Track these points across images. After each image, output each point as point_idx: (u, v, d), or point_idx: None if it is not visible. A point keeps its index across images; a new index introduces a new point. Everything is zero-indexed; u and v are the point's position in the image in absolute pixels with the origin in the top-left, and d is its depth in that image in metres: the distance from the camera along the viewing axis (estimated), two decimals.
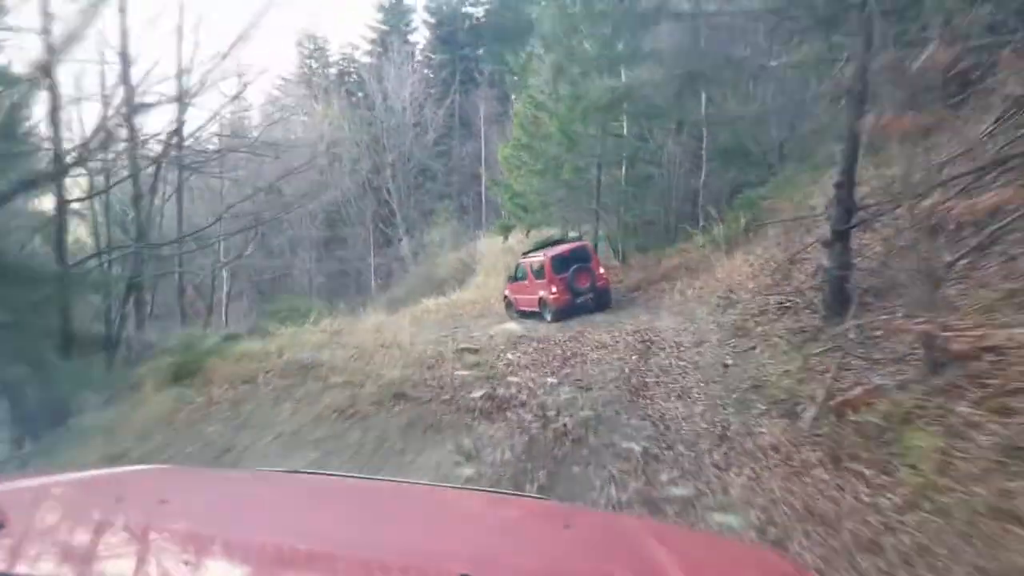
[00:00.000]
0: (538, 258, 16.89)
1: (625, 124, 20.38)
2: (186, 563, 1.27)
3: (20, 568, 1.19)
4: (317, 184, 39.15)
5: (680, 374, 8.83)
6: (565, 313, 15.77)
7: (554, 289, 16.03)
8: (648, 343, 11.18)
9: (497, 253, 27.88)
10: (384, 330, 13.69)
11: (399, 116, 41.28)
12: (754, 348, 8.76)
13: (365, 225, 39.50)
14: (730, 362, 8.62)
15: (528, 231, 20.12)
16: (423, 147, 42.26)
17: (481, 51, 46.40)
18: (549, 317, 16.05)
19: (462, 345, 12.10)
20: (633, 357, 10.28)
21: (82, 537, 1.42)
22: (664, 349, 10.52)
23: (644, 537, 1.77)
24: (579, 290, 16.01)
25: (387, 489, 2.30)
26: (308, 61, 50.09)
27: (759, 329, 9.34)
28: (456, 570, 1.22)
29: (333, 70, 50.27)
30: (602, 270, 16.93)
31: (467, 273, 29.68)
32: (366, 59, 48.85)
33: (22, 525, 1.34)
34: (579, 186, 19.54)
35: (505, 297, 18.97)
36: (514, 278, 18.46)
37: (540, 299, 16.49)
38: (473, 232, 35.98)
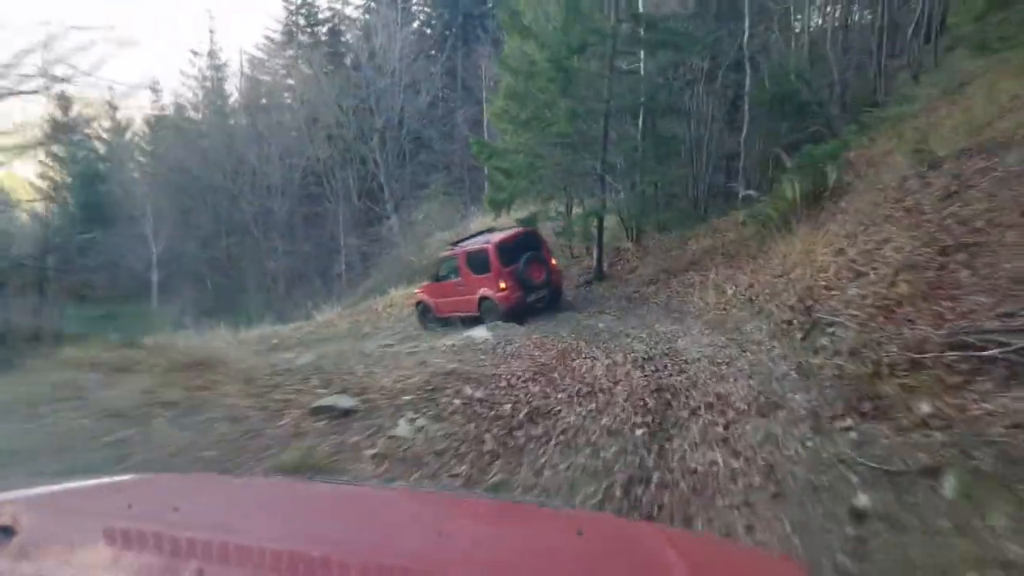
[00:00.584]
0: (476, 247, 13.30)
1: (642, 59, 15.15)
2: (198, 571, 1.24)
3: (32, 575, 1.18)
4: (290, 153, 34.58)
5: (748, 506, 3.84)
6: (515, 315, 12.50)
7: (503, 285, 12.60)
8: (672, 394, 6.16)
9: None
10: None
11: (390, 77, 36.21)
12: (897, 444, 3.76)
13: (350, 201, 34.62)
14: (862, 501, 3.57)
15: (508, 206, 15.00)
16: (416, 112, 37.17)
17: (488, 4, 40.88)
18: (493, 320, 12.44)
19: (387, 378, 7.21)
20: (639, 433, 5.26)
21: (93, 545, 1.38)
22: (704, 412, 5.50)
23: (658, 544, 1.74)
24: (533, 285, 12.80)
25: (399, 497, 2.32)
26: (294, 18, 45.04)
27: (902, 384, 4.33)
28: None
29: (323, 28, 45.20)
30: (555, 261, 13.79)
31: None
32: (356, 14, 43.77)
33: (33, 533, 1.33)
34: (579, 142, 14.40)
35: (419, 303, 14.90)
36: (436, 277, 14.40)
37: (480, 299, 13.05)
38: (468, 209, 30.98)
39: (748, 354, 6.80)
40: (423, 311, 14.56)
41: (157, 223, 25.23)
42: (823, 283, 6.85)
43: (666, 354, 7.93)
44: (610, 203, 14.95)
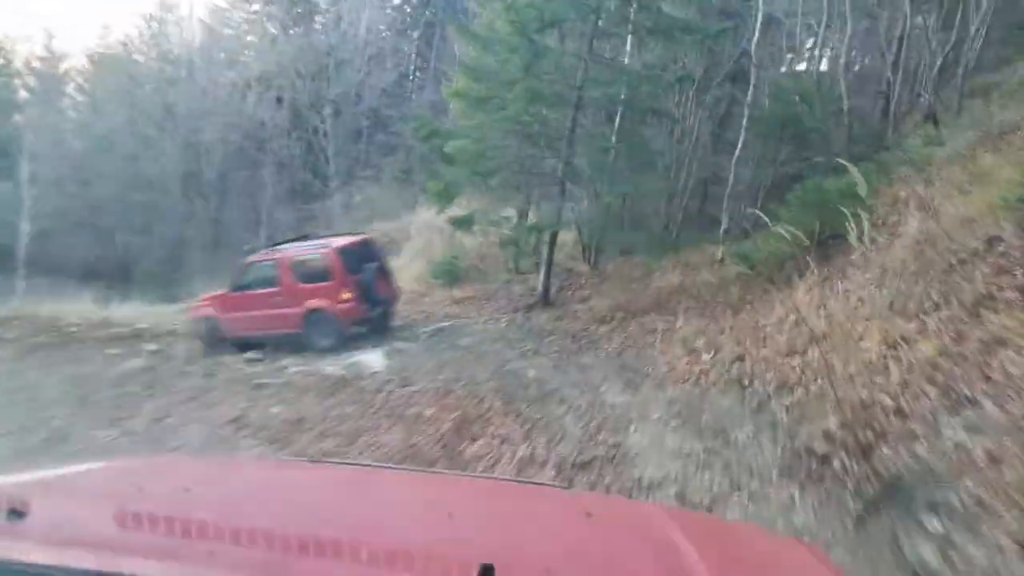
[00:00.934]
0: (310, 252, 11.40)
1: (628, 46, 12.36)
2: (209, 553, 1.25)
3: (42, 558, 1.16)
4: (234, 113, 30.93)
5: None
6: (343, 335, 10.77)
7: (345, 295, 10.74)
8: None
9: (435, 229, 19.90)
10: None
11: (353, 46, 32.89)
12: None
13: (289, 173, 31.10)
14: None
15: (448, 199, 12.00)
16: (379, 89, 33.84)
17: None
18: (323, 339, 10.70)
19: None
20: None
21: (104, 526, 1.37)
22: None
23: (666, 525, 1.73)
24: (377, 298, 11.20)
25: (409, 478, 2.31)
26: None
27: None
28: (478, 559, 1.16)
29: None
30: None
31: (389, 251, 21.63)
32: None
33: (44, 515, 1.32)
34: (539, 134, 11.53)
35: (206, 317, 11.69)
36: (237, 286, 11.55)
37: (308, 313, 10.81)
38: (420, 199, 27.77)
39: (748, 501, 3.95)
40: (210, 331, 11.38)
41: (42, 166, 21.48)
42: (887, 398, 4.04)
43: (610, 459, 5.10)
44: (568, 214, 12.07)
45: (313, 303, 10.73)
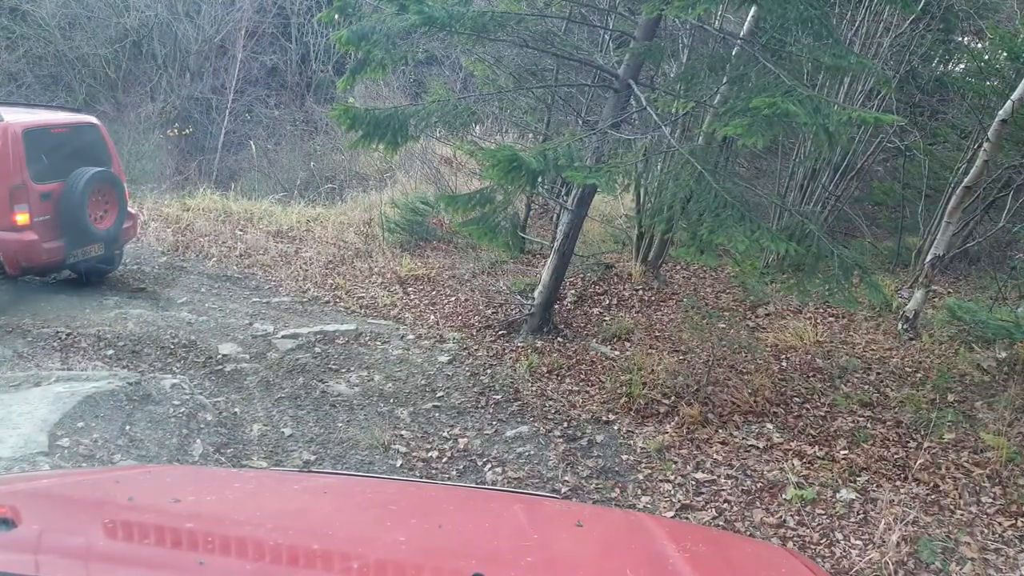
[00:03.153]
0: None
1: None
2: (199, 563, 1.20)
3: (31, 568, 1.13)
4: None
5: None
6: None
7: (20, 218, 5.70)
8: None
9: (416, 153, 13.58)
10: None
11: None
12: None
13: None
14: None
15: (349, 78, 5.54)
16: None
17: None
18: None
19: None
20: None
21: (94, 536, 1.32)
22: None
23: (656, 535, 1.71)
24: (90, 232, 6.30)
25: (400, 489, 2.24)
26: None
27: None
28: (469, 569, 1.17)
29: None
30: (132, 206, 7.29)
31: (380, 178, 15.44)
32: None
33: (33, 524, 1.29)
34: None
35: None
36: None
37: None
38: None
39: None
40: None
41: None
42: None
43: None
44: (629, 165, 5.52)
45: None
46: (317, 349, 5.82)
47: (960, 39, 7.89)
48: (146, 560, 1.22)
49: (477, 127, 10.38)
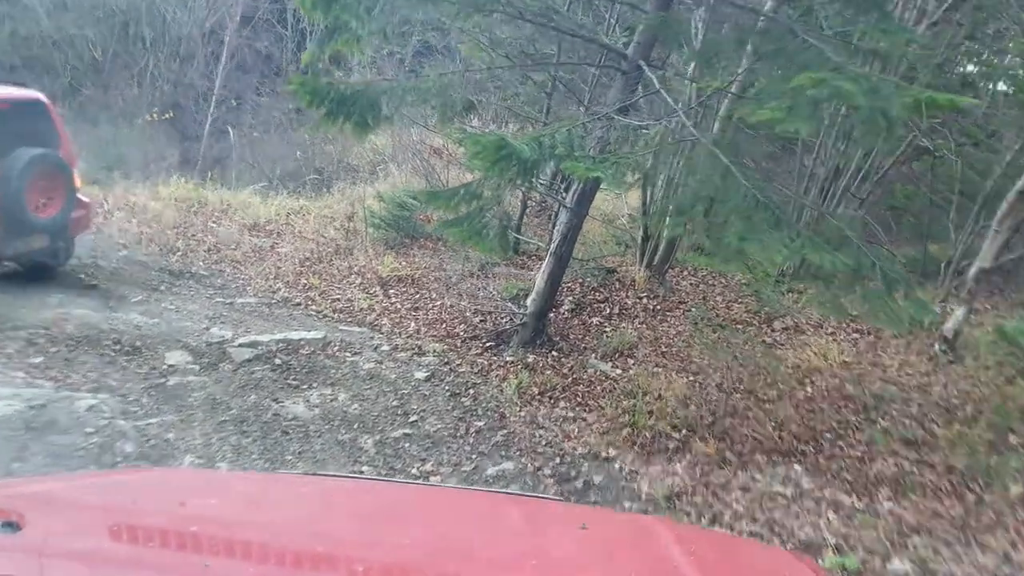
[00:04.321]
0: None
1: None
2: (205, 566, 1.19)
3: (36, 571, 1.13)
4: None
5: None
6: None
7: None
8: None
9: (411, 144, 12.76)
10: None
11: None
12: None
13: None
14: None
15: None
16: None
17: None
18: None
19: None
20: None
21: (99, 540, 1.32)
22: None
23: (662, 538, 1.68)
24: (31, 222, 5.49)
25: (405, 492, 2.18)
26: None
27: None
28: (473, 573, 1.19)
29: None
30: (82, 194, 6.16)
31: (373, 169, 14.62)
32: None
33: (38, 528, 1.26)
34: None
35: None
36: None
37: None
38: None
39: None
40: None
41: None
42: None
43: None
44: (627, 152, 4.73)
45: None
46: (277, 360, 5.05)
47: (1002, 29, 7.10)
48: (151, 563, 1.22)
49: (475, 119, 9.60)
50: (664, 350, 5.52)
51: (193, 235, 8.13)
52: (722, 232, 3.36)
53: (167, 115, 13.32)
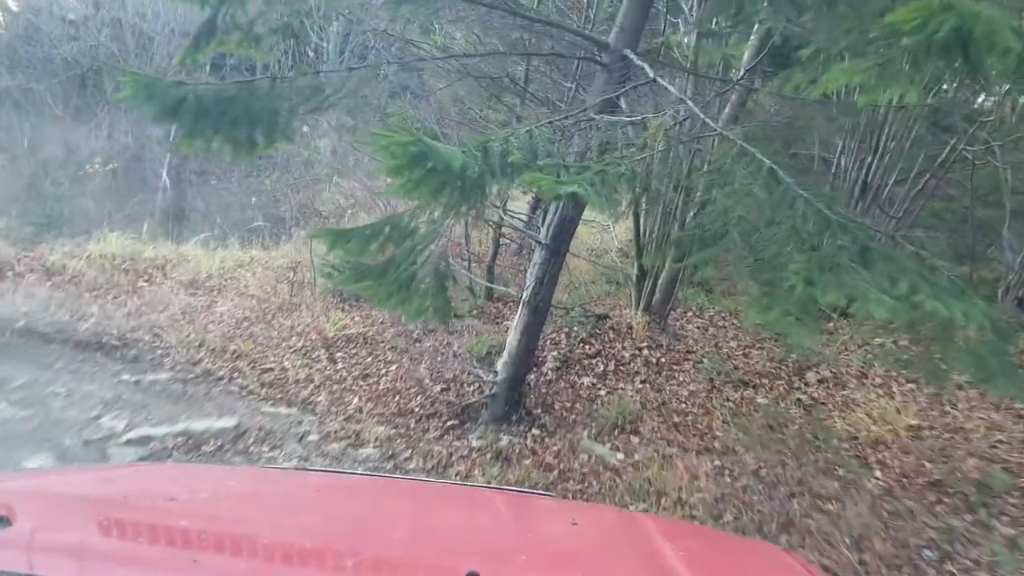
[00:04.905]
0: None
1: None
2: (194, 561, 1.17)
3: (26, 566, 1.10)
4: None
5: None
6: None
7: None
8: None
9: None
10: None
11: None
12: None
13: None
14: None
15: None
16: None
17: None
18: None
19: None
20: None
21: (89, 535, 1.28)
22: None
23: (650, 533, 1.65)
24: None
25: (394, 487, 2.15)
26: None
27: None
28: (465, 566, 1.12)
29: None
30: None
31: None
32: None
33: (28, 522, 1.24)
34: None
35: None
36: None
37: None
38: None
39: None
40: None
41: None
42: None
43: None
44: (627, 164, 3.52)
45: None
46: (170, 463, 3.74)
47: None
48: (140, 558, 1.20)
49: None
50: (676, 420, 4.24)
51: (115, 297, 6.86)
52: (773, 271, 2.13)
53: (110, 166, 12.13)
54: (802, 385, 4.84)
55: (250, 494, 1.70)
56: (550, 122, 2.49)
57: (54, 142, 15.83)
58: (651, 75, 2.95)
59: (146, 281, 7.48)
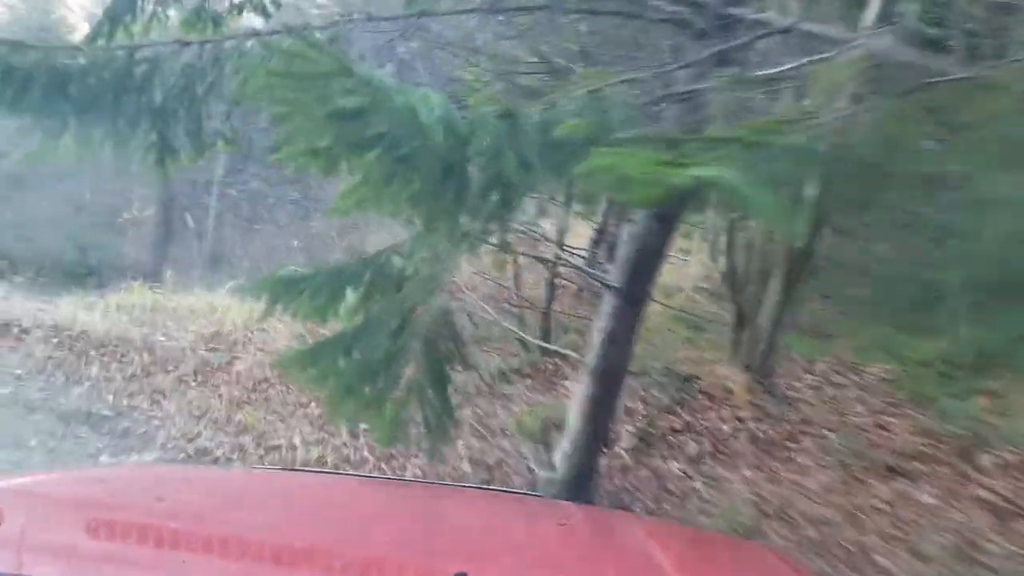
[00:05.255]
0: None
1: None
2: (182, 562, 1.18)
3: (14, 566, 1.08)
4: None
5: None
6: None
7: None
8: None
9: None
10: None
11: None
12: None
13: None
14: None
15: None
16: None
17: None
18: None
19: None
20: None
21: (77, 535, 1.28)
22: None
23: (637, 533, 1.67)
24: None
25: (383, 487, 2.20)
26: None
27: None
28: (452, 567, 1.11)
29: None
30: None
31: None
32: None
33: (16, 523, 1.24)
34: None
35: None
36: None
37: None
38: None
39: None
40: None
41: None
42: None
43: None
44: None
45: None
46: None
47: None
48: (129, 559, 1.19)
49: None
50: (809, 533, 2.98)
51: (123, 355, 6.04)
52: None
53: (148, 211, 11.70)
54: (975, 473, 3.50)
55: (239, 495, 1.68)
56: (627, 81, 1.40)
57: (90, 188, 15.52)
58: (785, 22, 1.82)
59: (163, 335, 6.68)
